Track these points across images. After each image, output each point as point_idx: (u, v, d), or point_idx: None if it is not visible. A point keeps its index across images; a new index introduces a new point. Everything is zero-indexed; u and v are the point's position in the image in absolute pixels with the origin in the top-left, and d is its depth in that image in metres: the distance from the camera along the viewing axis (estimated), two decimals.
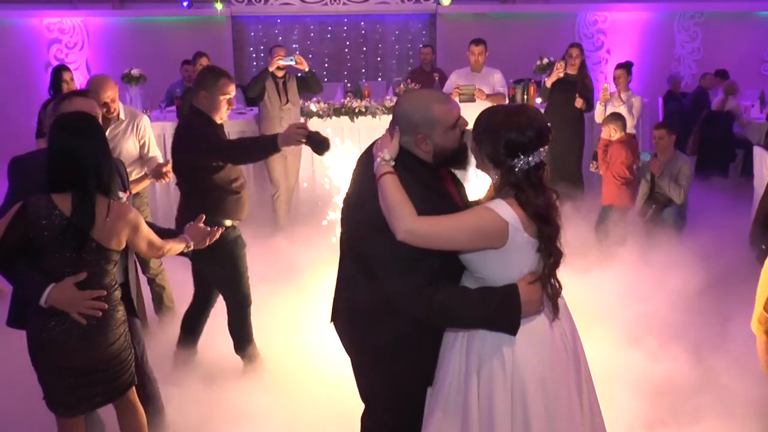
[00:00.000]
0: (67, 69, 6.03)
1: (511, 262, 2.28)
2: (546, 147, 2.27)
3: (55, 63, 10.11)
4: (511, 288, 2.25)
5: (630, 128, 6.70)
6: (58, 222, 2.56)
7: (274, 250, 5.64)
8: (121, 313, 2.81)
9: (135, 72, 7.51)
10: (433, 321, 2.34)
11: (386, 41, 11.09)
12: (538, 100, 7.34)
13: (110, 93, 4.14)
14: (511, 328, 2.25)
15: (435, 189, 2.38)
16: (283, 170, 6.55)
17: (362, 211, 2.34)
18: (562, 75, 6.96)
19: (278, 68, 6.35)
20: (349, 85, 10.13)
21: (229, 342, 4.06)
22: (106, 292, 2.68)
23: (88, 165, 2.58)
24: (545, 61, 7.84)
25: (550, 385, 2.28)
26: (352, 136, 6.80)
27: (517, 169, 2.22)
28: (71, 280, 2.59)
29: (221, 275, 3.86)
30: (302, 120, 6.76)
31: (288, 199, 6.67)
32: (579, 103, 6.87)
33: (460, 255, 2.30)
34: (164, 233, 3.09)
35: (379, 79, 10.82)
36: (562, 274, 2.38)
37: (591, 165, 6.95)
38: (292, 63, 6.27)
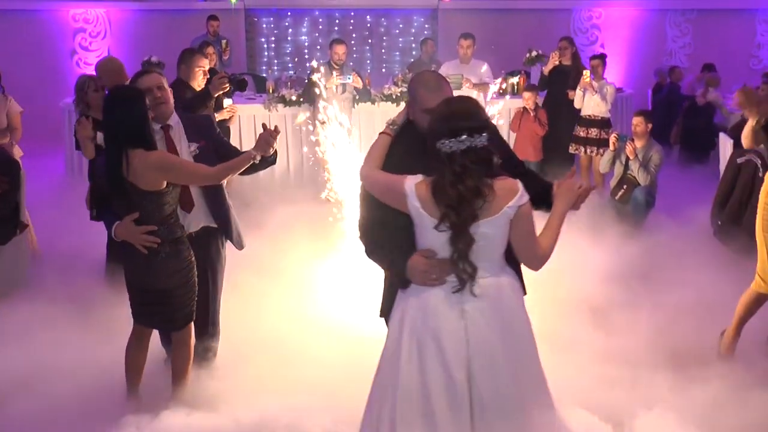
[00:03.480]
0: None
1: (419, 232, 2.56)
2: (475, 138, 2.38)
3: (79, 51, 10.82)
4: (411, 251, 2.56)
5: (605, 113, 7.33)
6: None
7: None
8: (184, 254, 3.31)
9: (154, 59, 8.13)
10: (366, 252, 2.78)
11: (390, 34, 11.66)
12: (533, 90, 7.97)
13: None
14: (400, 282, 2.63)
15: (416, 156, 2.64)
16: None
17: None
18: (557, 62, 7.71)
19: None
20: None
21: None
22: (156, 228, 3.21)
23: (118, 126, 3.16)
24: (534, 53, 8.44)
25: (428, 351, 2.51)
26: (354, 122, 7.43)
27: (441, 153, 2.40)
28: (129, 218, 3.21)
29: None
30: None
31: None
32: (571, 94, 7.54)
33: None
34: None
35: (383, 70, 11.40)
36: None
37: (570, 146, 7.54)
38: (349, 81, 7.03)
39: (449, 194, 2.38)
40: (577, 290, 4.86)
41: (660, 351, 4.07)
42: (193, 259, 3.39)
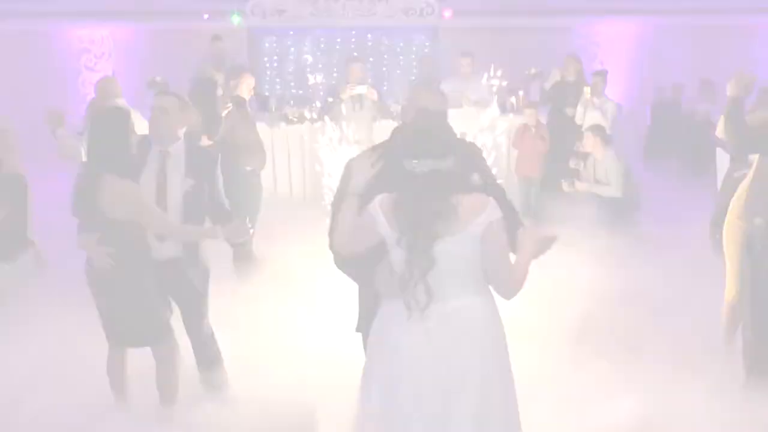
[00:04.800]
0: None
1: (389, 247, 2.48)
2: (440, 162, 2.34)
3: (84, 71, 10.94)
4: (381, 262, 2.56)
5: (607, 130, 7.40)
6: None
7: None
8: (142, 279, 3.31)
9: (158, 79, 8.23)
10: (336, 262, 2.79)
11: (392, 53, 11.78)
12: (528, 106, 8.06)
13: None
14: (371, 293, 2.67)
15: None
16: None
17: None
18: (558, 79, 7.85)
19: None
20: None
21: None
22: (114, 250, 3.20)
23: (97, 147, 3.19)
24: (533, 71, 8.53)
25: (384, 366, 2.52)
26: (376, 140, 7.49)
27: (406, 170, 2.38)
28: (93, 234, 3.24)
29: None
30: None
31: None
32: (570, 111, 7.63)
33: None
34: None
35: (385, 88, 11.48)
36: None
37: (571, 161, 7.56)
38: (364, 92, 7.17)
39: (407, 212, 2.35)
40: (579, 310, 4.89)
41: (667, 366, 4.11)
42: (150, 284, 3.38)
